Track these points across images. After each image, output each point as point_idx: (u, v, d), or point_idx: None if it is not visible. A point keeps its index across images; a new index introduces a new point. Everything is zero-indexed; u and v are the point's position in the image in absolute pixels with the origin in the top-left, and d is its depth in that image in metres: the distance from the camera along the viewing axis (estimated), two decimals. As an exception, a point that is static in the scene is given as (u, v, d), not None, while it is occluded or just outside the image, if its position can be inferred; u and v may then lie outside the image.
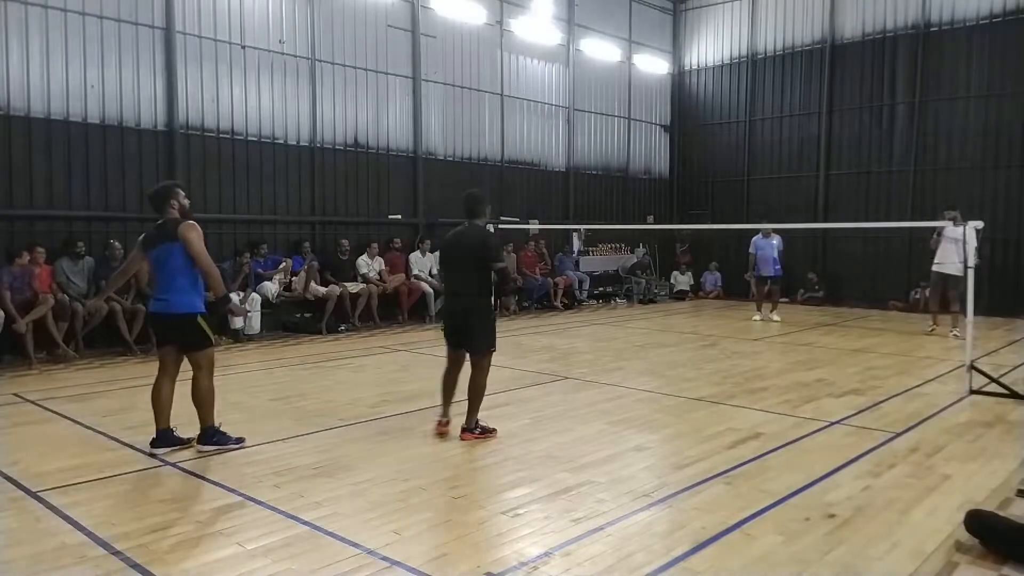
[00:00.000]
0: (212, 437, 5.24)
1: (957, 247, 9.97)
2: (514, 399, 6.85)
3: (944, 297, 10.90)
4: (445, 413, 5.73)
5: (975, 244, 8.11)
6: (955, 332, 10.66)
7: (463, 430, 5.58)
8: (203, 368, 5.23)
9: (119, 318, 9.13)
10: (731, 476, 4.73)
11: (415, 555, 3.56)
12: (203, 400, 5.22)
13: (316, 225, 12.25)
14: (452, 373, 5.76)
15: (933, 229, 11.11)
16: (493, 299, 5.89)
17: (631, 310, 15.05)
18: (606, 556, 3.57)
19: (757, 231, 12.99)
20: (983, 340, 9.96)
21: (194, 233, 5.08)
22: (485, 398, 5.63)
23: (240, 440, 5.36)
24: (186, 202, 5.31)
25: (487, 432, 5.60)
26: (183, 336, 5.20)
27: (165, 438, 5.22)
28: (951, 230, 10.21)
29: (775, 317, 12.81)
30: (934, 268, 10.97)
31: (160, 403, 5.23)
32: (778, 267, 12.80)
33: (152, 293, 5.62)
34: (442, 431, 5.65)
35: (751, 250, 12.87)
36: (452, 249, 5.71)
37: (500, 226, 12.54)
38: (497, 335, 5.71)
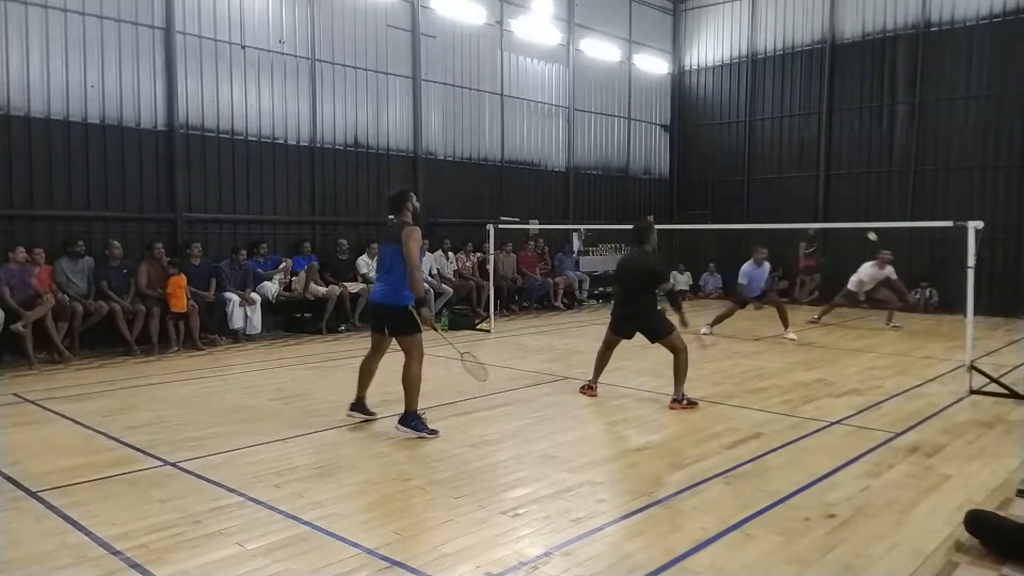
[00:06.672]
0: (411, 421, 5.59)
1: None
2: (514, 399, 6.85)
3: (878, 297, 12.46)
4: (595, 379, 7.12)
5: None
6: (894, 324, 12.11)
7: (672, 401, 6.57)
8: (412, 355, 5.65)
9: (119, 318, 9.13)
10: (731, 476, 4.73)
11: (415, 555, 3.56)
12: (410, 385, 5.60)
13: (316, 225, 12.25)
14: (605, 352, 7.12)
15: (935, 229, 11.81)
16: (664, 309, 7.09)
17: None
18: (606, 556, 3.57)
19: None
20: (983, 340, 9.95)
21: (412, 239, 5.54)
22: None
23: (435, 432, 5.58)
24: (417, 205, 5.88)
25: (691, 403, 6.56)
26: (395, 323, 5.69)
27: (359, 406, 6.01)
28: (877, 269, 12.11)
29: (791, 335, 10.85)
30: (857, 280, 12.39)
31: (363, 375, 6.01)
32: (762, 289, 11.17)
33: (375, 281, 6.23)
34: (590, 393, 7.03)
35: (741, 280, 11.04)
36: (624, 271, 6.94)
37: (500, 226, 12.56)
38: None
